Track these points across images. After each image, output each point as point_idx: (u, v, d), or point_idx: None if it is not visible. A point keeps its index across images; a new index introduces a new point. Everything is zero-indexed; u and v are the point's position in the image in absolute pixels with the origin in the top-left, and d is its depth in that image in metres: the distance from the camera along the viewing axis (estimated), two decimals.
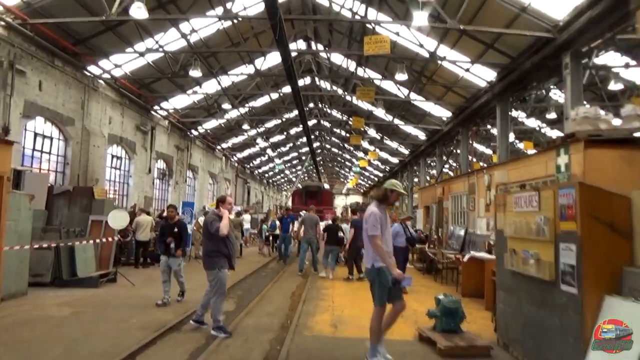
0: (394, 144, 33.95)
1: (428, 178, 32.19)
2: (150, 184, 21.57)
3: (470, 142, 20.47)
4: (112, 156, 18.65)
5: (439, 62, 16.46)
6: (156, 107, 21.57)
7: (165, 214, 14.36)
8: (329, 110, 32.44)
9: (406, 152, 34.34)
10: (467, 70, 16.35)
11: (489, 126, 23.37)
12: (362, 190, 77.39)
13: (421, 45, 15.59)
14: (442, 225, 14.51)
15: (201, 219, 17.14)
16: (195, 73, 16.25)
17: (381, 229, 5.08)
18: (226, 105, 22.07)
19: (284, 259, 15.59)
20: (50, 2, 12.28)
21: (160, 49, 16.04)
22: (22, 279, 8.33)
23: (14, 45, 12.08)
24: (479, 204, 11.32)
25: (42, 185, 11.12)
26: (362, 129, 24.67)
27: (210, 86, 21.58)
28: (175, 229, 8.31)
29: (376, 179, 57.65)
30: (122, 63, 16.85)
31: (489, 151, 30.10)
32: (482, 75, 16.43)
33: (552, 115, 20.94)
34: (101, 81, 16.82)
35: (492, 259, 8.71)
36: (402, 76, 15.69)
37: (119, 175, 19.38)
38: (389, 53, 12.61)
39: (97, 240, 10.28)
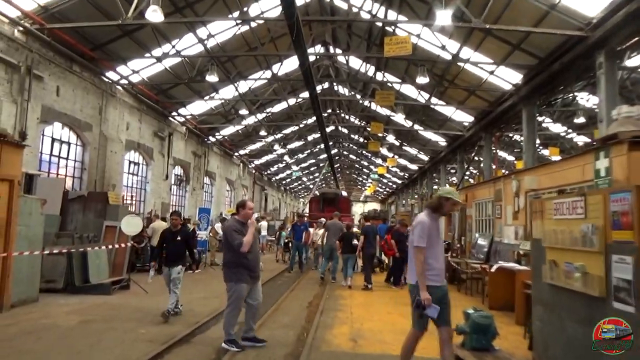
0: (413, 151, 33.38)
1: (448, 185, 31.51)
2: (167, 190, 21.45)
3: (494, 148, 19.82)
4: (130, 162, 18.57)
5: (462, 64, 15.97)
6: (174, 113, 21.49)
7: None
8: (346, 117, 32.08)
9: (426, 158, 33.73)
10: (492, 72, 15.80)
11: (510, 133, 22.73)
12: (380, 198, 76.76)
13: (443, 47, 15.13)
14: (465, 233, 13.94)
15: (217, 226, 16.91)
16: (212, 78, 16.06)
17: (431, 242, 4.53)
18: (243, 111, 21.87)
19: (300, 267, 15.21)
20: (68, 7, 12.22)
21: (177, 54, 15.88)
22: (33, 286, 8.11)
23: (32, 50, 12.03)
24: (506, 211, 10.76)
25: (57, 190, 10.98)
26: (381, 135, 24.17)
27: (228, 92, 21.40)
28: (179, 238, 7.63)
29: (394, 186, 56.99)
30: (140, 69, 16.77)
31: (511, 158, 29.29)
32: (507, 78, 15.87)
33: (580, 120, 20.18)
34: (119, 87, 16.77)
35: (524, 270, 8.20)
36: (423, 79, 15.24)
37: (136, 181, 19.29)
38: (410, 54, 12.16)
39: (111, 246, 10.02)
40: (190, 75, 16.90)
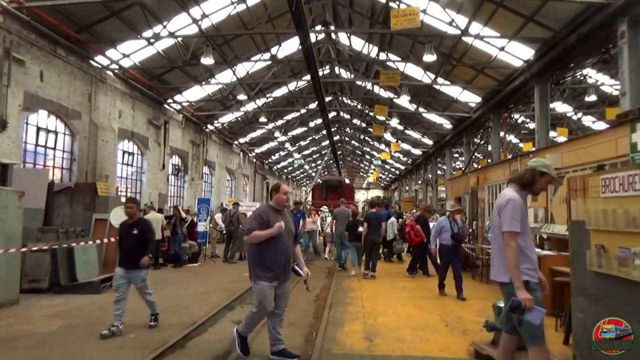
0: (416, 135, 32.53)
1: (452, 171, 30.67)
2: (164, 180, 20.71)
3: (502, 129, 19.00)
4: (123, 152, 17.79)
5: (470, 41, 15.08)
6: (169, 100, 20.67)
7: (179, 212, 13.54)
8: (348, 101, 31.20)
9: (430, 142, 32.89)
10: (502, 48, 14.93)
11: (517, 114, 21.83)
12: (382, 185, 76.00)
13: (451, 23, 14.26)
14: (477, 218, 13.18)
15: (218, 216, 16.18)
16: (207, 60, 15.19)
17: (524, 226, 3.50)
18: (242, 96, 21.01)
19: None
20: None
21: (170, 35, 15.03)
22: (12, 287, 7.39)
23: (10, 31, 11.19)
24: None
25: (40, 182, 10.21)
26: (385, 119, 23.32)
27: (225, 77, 20.56)
28: (135, 231, 6.11)
29: (397, 172, 56.20)
30: (131, 52, 15.94)
31: (515, 140, 28.31)
32: (518, 54, 15.01)
33: (591, 98, 19.28)
34: (109, 72, 15.94)
35: (550, 255, 7.49)
36: (430, 57, 14.38)
37: (131, 172, 18.54)
38: (419, 27, 11.28)
39: (100, 241, 9.29)
40: (184, 58, 16.05)
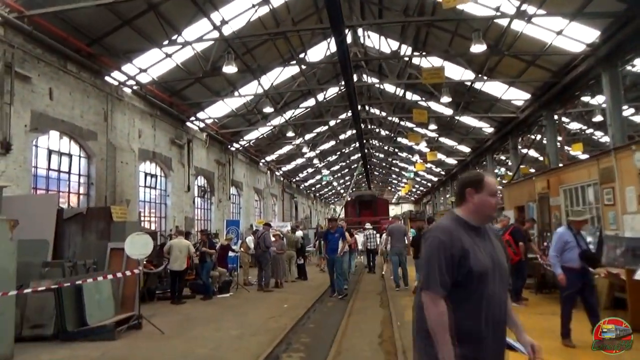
0: (451, 142, 30.57)
1: (497, 178, 28.55)
2: (190, 203, 19.39)
3: (558, 126, 17.00)
4: (145, 174, 16.55)
5: (523, 25, 13.32)
6: (192, 118, 19.47)
7: (207, 238, 12.07)
8: (376, 111, 29.61)
9: (467, 150, 30.88)
10: (560, 32, 13.09)
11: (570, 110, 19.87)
12: (413, 199, 73.50)
13: (497, 9, 12.60)
14: (551, 228, 11.27)
15: (249, 239, 14.73)
16: (229, 69, 13.84)
17: None
18: (268, 109, 19.62)
19: (338, 292, 10.93)
20: None
21: (187, 44, 13.80)
22: (5, 339, 5.94)
23: (12, 45, 10.05)
24: (624, 195, 8.11)
25: (48, 209, 8.90)
26: (424, 122, 21.51)
27: (249, 89, 19.29)
28: None
29: (429, 184, 53.98)
30: (147, 67, 14.78)
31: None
32: (580, 37, 13.15)
33: None
34: (126, 89, 14.80)
35: None
36: (479, 47, 12.71)
37: (154, 195, 17.27)
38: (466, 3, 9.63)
39: (114, 275, 7.82)
40: (204, 69, 14.79)
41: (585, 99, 19.05)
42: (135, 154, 15.17)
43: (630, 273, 6.48)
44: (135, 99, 15.39)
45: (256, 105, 20.42)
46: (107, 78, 13.71)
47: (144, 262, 10.69)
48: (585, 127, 24.15)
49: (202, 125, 20.66)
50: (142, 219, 15.50)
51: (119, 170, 14.04)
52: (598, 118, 21.33)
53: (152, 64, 14.85)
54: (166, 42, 13.37)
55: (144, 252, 7.72)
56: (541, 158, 29.18)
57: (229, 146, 24.39)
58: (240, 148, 26.03)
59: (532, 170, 25.84)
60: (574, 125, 23.36)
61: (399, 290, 11.95)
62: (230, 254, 14.75)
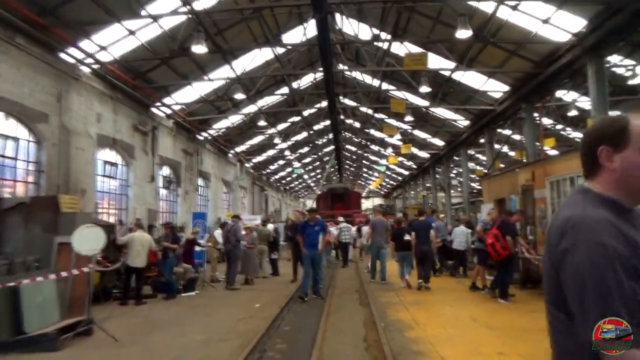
0: (425, 135, 30.19)
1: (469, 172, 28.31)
2: (154, 194, 18.21)
3: (538, 119, 16.70)
4: (105, 162, 15.29)
5: (509, 12, 12.83)
6: (157, 103, 18.23)
7: (171, 231, 11.06)
8: (350, 102, 28.92)
9: (440, 143, 30.60)
10: (547, 20, 12.66)
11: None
12: (383, 192, 73.44)
13: None
14: (536, 222, 10.80)
15: (217, 233, 13.79)
16: (199, 49, 12.84)
17: None
18: (239, 95, 18.56)
19: (316, 293, 9.80)
20: None
21: (154, 21, 12.69)
22: None
23: None
24: None
25: None
26: (402, 112, 20.87)
27: (219, 74, 18.19)
28: None
29: (400, 178, 53.87)
30: (108, 44, 13.55)
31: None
32: (566, 27, 12.75)
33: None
34: (84, 68, 13.54)
35: None
36: (464, 32, 12.14)
37: (114, 186, 16.03)
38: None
39: (53, 275, 6.80)
40: (172, 48, 13.68)
41: (559, 94, 18.94)
42: (93, 139, 13.95)
43: None
44: (94, 80, 14.13)
45: (227, 91, 19.34)
46: (62, 55, 12.45)
47: (98, 259, 9.73)
48: (555, 123, 24.31)
49: (168, 111, 19.45)
50: (100, 210, 14.33)
51: (73, 157, 12.81)
52: (572, 113, 21.50)
53: (113, 42, 13.64)
54: (129, 21, 12.20)
55: (96, 247, 6.73)
56: (512, 153, 29.29)
57: (197, 135, 23.23)
58: (209, 137, 24.86)
59: (502, 166, 25.78)
60: (546, 121, 23.38)
61: (375, 282, 11.86)
62: (197, 248, 13.83)
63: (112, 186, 15.90)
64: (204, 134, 24.01)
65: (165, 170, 20.30)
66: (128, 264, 9.34)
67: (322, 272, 10.95)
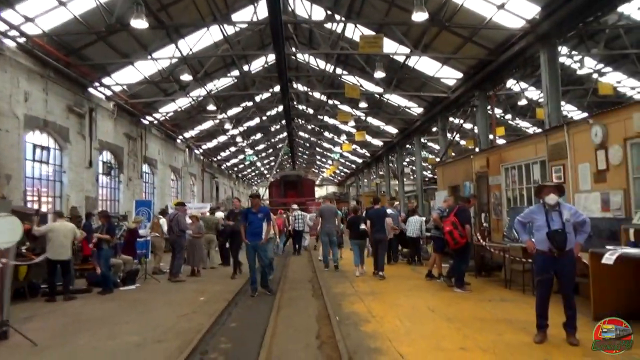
0: (378, 122, 30.08)
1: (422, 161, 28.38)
2: (92, 180, 16.93)
3: (490, 108, 16.78)
4: (34, 146, 13.96)
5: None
6: (96, 84, 16.86)
7: (107, 220, 10.12)
8: (303, 88, 28.32)
9: (394, 131, 30.61)
10: (502, 6, 12.55)
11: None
12: (336, 180, 73.52)
13: None
14: (490, 209, 10.74)
15: (163, 221, 12.93)
16: (138, 24, 11.76)
17: None
18: (186, 77, 17.48)
19: (265, 287, 8.87)
20: None
21: None
22: None
23: None
24: (577, 172, 7.54)
25: None
26: (356, 98, 20.44)
27: (164, 53, 17.05)
28: None
29: (353, 166, 53.95)
30: (35, 15, 12.24)
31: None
32: (520, 13, 12.70)
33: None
34: (7, 41, 12.17)
35: None
36: (421, 15, 11.76)
37: (46, 172, 14.70)
38: None
39: None
40: (108, 22, 12.52)
41: (509, 84, 19.17)
42: (19, 120, 12.64)
43: (595, 257, 5.80)
44: (20, 55, 12.77)
45: (172, 72, 18.21)
46: None
47: (23, 251, 8.77)
48: (505, 113, 24.84)
49: (108, 93, 18.09)
50: (30, 198, 13.07)
51: None
52: (522, 102, 21.96)
53: (41, 13, 12.35)
54: None
55: (10, 239, 5.85)
56: (463, 142, 29.76)
57: (142, 119, 21.89)
58: (155, 122, 23.52)
59: (454, 154, 26.12)
60: (496, 110, 23.82)
61: (329, 271, 11.51)
62: (140, 238, 12.94)
63: (44, 172, 14.55)
64: (150, 118, 22.68)
65: (106, 156, 18.98)
66: (49, 257, 8.39)
67: (271, 262, 9.76)
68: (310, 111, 31.69)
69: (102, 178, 18.27)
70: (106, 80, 17.44)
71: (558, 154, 8.01)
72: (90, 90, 16.80)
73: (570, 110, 22.71)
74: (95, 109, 17.19)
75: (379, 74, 16.52)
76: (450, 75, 18.34)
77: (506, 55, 14.01)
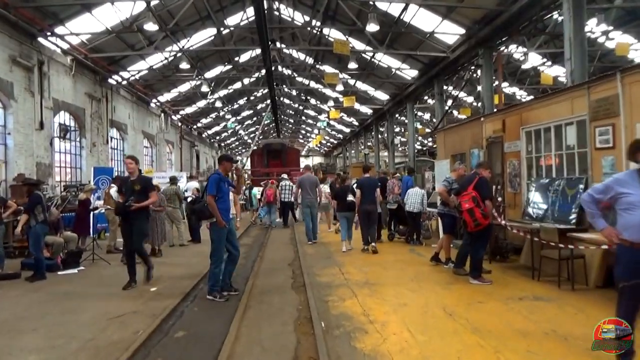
0: (367, 87, 28.06)
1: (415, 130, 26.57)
2: (45, 145, 14.85)
3: (495, 69, 14.93)
4: None
5: None
6: (47, 33, 14.56)
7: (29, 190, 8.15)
8: (290, 51, 26.10)
9: (384, 97, 28.68)
10: None
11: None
12: (323, 151, 71.51)
13: None
14: (505, 181, 9.06)
15: (113, 191, 10.99)
16: None
17: None
18: (151, 27, 15.15)
19: (225, 287, 6.37)
20: None
21: None
22: None
23: None
24: (633, 134, 5.79)
25: None
26: (346, 54, 18.34)
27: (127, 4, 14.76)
28: None
29: (340, 136, 52.03)
30: None
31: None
32: None
33: None
34: None
35: None
36: None
37: None
38: None
39: None
40: None
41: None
42: None
43: None
44: None
45: (135, 22, 15.91)
46: None
47: None
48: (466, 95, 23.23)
49: (64, 45, 15.77)
50: None
51: None
52: (526, 66, 20.13)
53: None
54: None
55: None
56: (455, 112, 28.02)
57: (107, 78, 19.60)
58: (123, 82, 21.22)
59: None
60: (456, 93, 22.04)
61: (313, 246, 10.85)
62: (95, 211, 11.10)
63: None
64: (116, 77, 20.38)
65: (64, 117, 16.82)
66: None
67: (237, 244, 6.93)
68: (295, 75, 29.48)
69: (59, 142, 16.16)
70: (60, 30, 15.14)
71: (606, 112, 6.29)
72: (41, 40, 14.52)
73: None
74: (48, 62, 14.95)
75: (372, 27, 14.50)
76: (450, 31, 16.37)
77: (519, 4, 12.12)
